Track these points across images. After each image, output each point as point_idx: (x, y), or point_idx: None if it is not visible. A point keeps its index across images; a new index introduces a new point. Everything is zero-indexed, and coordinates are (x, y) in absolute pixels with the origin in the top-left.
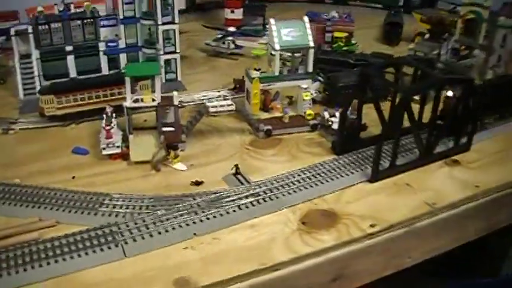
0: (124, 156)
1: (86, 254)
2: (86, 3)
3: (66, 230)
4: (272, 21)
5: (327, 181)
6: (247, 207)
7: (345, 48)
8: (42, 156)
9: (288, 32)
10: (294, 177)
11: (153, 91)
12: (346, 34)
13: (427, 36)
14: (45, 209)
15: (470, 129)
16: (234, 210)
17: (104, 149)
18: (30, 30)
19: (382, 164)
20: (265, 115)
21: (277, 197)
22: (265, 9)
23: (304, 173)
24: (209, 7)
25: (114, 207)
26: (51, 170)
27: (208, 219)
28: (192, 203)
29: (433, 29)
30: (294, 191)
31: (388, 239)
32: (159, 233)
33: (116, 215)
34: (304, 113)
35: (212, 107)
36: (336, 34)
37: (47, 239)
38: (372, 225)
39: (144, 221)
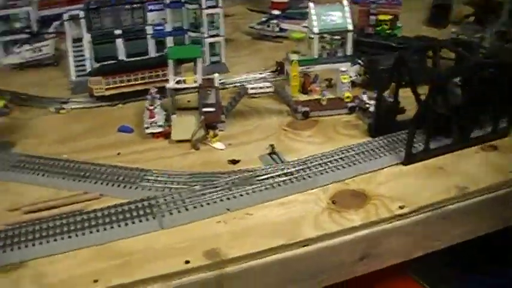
0: (166, 135)
1: (126, 224)
2: None
3: (108, 202)
4: (311, 4)
5: (360, 162)
6: (279, 185)
7: (388, 31)
8: (91, 134)
9: (327, 15)
10: (328, 158)
11: (195, 73)
12: (391, 17)
13: (471, 18)
14: (90, 182)
15: (510, 114)
16: (267, 188)
17: (147, 128)
18: (82, 15)
19: (416, 147)
20: (303, 97)
21: (309, 177)
22: None
23: (338, 154)
24: None
25: (154, 182)
26: (98, 146)
27: (241, 195)
28: (227, 179)
29: (478, 11)
30: (326, 172)
31: (417, 221)
32: (194, 207)
33: (156, 190)
34: (343, 95)
35: (251, 88)
36: (381, 17)
37: (90, 210)
38: (400, 207)
39: (180, 195)
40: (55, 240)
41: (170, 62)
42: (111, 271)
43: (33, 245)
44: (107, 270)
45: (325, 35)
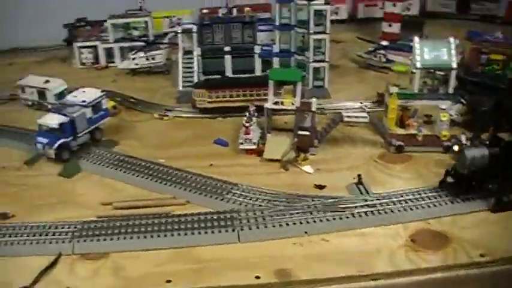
0: (258, 152)
1: (206, 233)
2: (246, 9)
3: (194, 209)
4: (416, 39)
5: (446, 204)
6: (360, 216)
7: (498, 71)
8: (188, 143)
9: (432, 51)
10: (414, 195)
11: (294, 96)
12: (504, 57)
13: None
14: (179, 188)
15: None
16: (347, 217)
17: (241, 143)
18: (194, 29)
19: (508, 196)
20: (399, 131)
21: (392, 211)
22: (423, 25)
23: (425, 193)
24: (368, 20)
25: (239, 197)
26: (193, 155)
27: (321, 221)
28: (310, 203)
29: None
30: (411, 209)
31: (496, 272)
32: (274, 226)
33: (239, 204)
34: (440, 133)
35: (348, 116)
36: (492, 56)
37: (176, 215)
38: (482, 255)
39: (262, 212)
40: (138, 237)
41: (271, 83)
42: (184, 274)
43: (118, 238)
44: (181, 273)
45: (427, 71)
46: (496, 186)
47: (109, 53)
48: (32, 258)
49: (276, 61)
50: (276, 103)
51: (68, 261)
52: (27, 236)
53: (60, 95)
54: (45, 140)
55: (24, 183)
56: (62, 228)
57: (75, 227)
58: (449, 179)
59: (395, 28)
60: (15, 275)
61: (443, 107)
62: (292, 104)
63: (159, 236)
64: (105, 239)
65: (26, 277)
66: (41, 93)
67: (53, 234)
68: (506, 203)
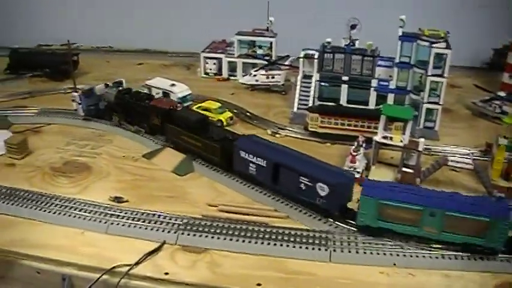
0: (361, 182)
1: (300, 247)
2: (368, 43)
3: (291, 224)
4: None
5: None
6: (450, 258)
7: None
8: None
9: None
10: None
11: (403, 133)
12: None
13: None
14: (281, 203)
15: None
16: (437, 257)
17: None
18: (316, 55)
19: None
20: (503, 183)
21: (481, 259)
22: None
23: None
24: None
25: (335, 220)
26: None
27: (411, 256)
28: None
29: None
30: (501, 260)
31: None
32: (365, 252)
33: (336, 227)
34: None
35: (452, 160)
36: None
37: (275, 226)
38: None
39: (356, 237)
40: (237, 240)
41: (383, 118)
42: (274, 281)
43: (218, 238)
44: (271, 279)
45: None
46: None
47: (231, 67)
48: (138, 241)
49: (390, 97)
50: (385, 137)
51: (170, 250)
52: (137, 220)
53: (184, 99)
54: None
55: (140, 174)
56: (170, 219)
57: (181, 221)
58: None
59: None
60: (121, 253)
61: None
62: (401, 141)
63: (256, 242)
64: (206, 236)
65: (130, 257)
66: (166, 95)
67: (160, 223)
68: None
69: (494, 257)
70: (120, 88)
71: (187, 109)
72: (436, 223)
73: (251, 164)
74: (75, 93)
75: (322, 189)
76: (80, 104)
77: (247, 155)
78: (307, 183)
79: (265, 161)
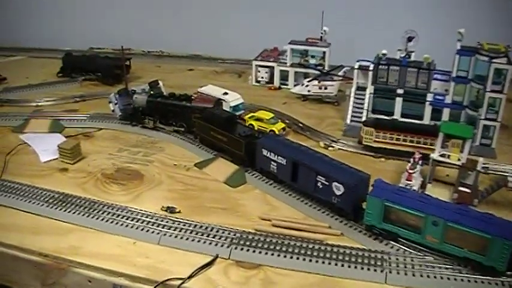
0: None
1: (355, 267)
2: (425, 56)
3: (346, 242)
4: None
5: None
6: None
7: None
8: None
9: None
10: None
11: (461, 151)
12: None
13: None
14: (336, 219)
15: None
16: (497, 284)
17: None
18: (371, 67)
19: None
20: None
21: None
22: None
23: None
24: None
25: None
26: None
27: (469, 281)
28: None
29: None
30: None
31: None
32: (421, 275)
33: (391, 247)
34: None
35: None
36: None
37: (329, 244)
38: None
39: (412, 260)
40: (291, 257)
41: (441, 135)
42: None
43: (272, 254)
44: None
45: None
46: None
47: (282, 76)
48: (190, 254)
49: (446, 112)
50: (442, 155)
51: (223, 265)
52: (190, 233)
53: (236, 108)
54: None
55: (192, 183)
56: (223, 232)
57: (234, 234)
58: None
59: None
60: (173, 266)
61: None
62: (459, 159)
63: (310, 260)
64: (260, 252)
65: (182, 269)
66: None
67: (213, 237)
68: None
69: None
70: (152, 92)
71: (217, 108)
72: (438, 233)
73: (272, 162)
74: (111, 94)
75: (338, 189)
76: (116, 104)
77: (268, 153)
78: (323, 182)
79: (285, 160)
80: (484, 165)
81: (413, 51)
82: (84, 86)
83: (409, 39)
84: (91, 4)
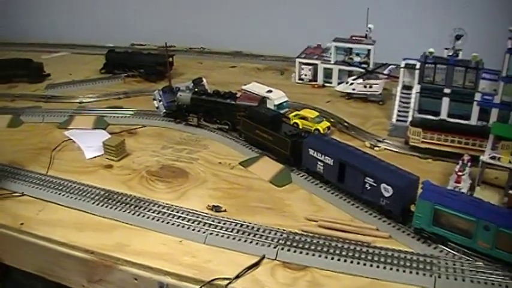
0: None
1: (404, 271)
2: (473, 54)
3: (394, 245)
4: None
5: None
6: None
7: None
8: None
9: None
10: None
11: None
12: None
13: None
14: (383, 222)
15: None
16: None
17: None
18: (418, 66)
19: None
20: None
21: None
22: None
23: None
24: None
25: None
26: None
27: None
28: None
29: None
30: None
31: None
32: (472, 281)
33: (440, 251)
34: None
35: None
36: None
37: (378, 247)
38: None
39: (462, 265)
40: (339, 260)
41: (491, 137)
42: None
43: (320, 256)
44: None
45: None
46: None
47: (326, 73)
48: (236, 254)
49: (494, 112)
50: (493, 158)
51: (270, 265)
52: (236, 232)
53: (280, 106)
54: None
55: (237, 182)
56: (269, 233)
57: (280, 235)
58: None
59: None
60: (219, 265)
61: None
62: (510, 161)
63: (358, 263)
64: (307, 253)
65: (228, 269)
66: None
67: (260, 237)
68: None
69: None
70: (196, 90)
71: (262, 106)
72: (490, 238)
73: (319, 162)
74: (155, 91)
75: (386, 190)
76: (160, 101)
77: (315, 153)
78: (371, 183)
79: (332, 160)
80: None
81: (460, 50)
82: (126, 83)
83: (457, 37)
84: (133, 1)
